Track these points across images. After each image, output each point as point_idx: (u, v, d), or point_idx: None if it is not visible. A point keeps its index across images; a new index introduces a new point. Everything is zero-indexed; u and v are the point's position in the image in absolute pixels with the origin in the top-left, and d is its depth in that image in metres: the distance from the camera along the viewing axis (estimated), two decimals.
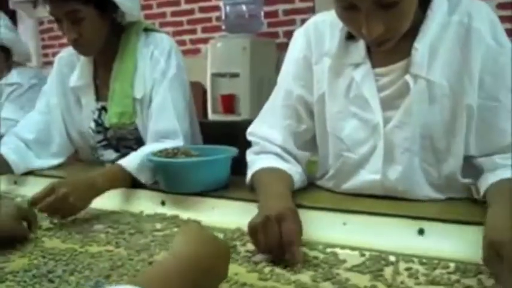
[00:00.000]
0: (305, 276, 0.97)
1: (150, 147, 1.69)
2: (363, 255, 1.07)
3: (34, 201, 1.36)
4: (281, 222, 1.03)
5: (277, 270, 1.00)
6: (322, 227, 1.19)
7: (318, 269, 1.00)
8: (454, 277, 0.93)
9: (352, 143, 1.32)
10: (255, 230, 1.05)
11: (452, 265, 0.98)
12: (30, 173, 1.88)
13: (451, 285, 0.90)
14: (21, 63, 2.66)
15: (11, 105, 2.49)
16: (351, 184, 1.35)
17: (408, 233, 1.08)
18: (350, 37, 1.30)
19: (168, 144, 1.68)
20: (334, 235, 1.16)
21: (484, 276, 0.92)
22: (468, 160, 1.25)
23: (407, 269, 0.98)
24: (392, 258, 1.03)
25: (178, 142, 1.72)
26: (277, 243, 1.02)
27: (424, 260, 1.02)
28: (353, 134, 1.32)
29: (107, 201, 1.52)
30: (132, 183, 1.59)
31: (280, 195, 1.19)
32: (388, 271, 0.98)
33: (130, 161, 1.60)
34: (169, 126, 1.76)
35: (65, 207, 1.37)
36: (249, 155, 1.46)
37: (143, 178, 1.59)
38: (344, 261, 1.04)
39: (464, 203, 1.25)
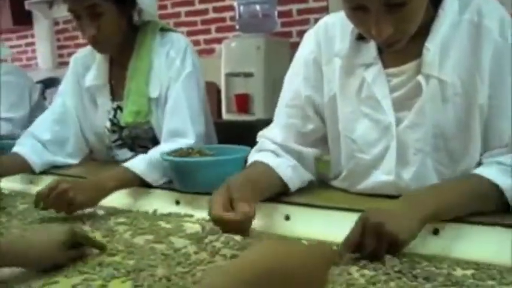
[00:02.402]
0: None
1: (162, 147, 1.71)
2: None
3: (39, 198, 1.41)
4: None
5: None
6: (336, 227, 1.19)
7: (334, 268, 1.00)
8: (470, 281, 0.92)
9: (364, 144, 1.32)
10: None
11: (468, 266, 0.98)
12: (46, 172, 1.92)
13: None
14: None
15: None
16: (364, 185, 1.35)
17: (423, 233, 1.08)
18: (361, 37, 1.30)
19: (180, 143, 1.69)
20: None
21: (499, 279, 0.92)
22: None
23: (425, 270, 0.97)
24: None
25: (190, 141, 1.73)
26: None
27: (440, 261, 1.01)
28: (365, 134, 1.31)
29: (121, 199, 1.55)
30: (141, 183, 1.60)
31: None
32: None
33: (138, 162, 1.61)
34: (182, 126, 1.77)
35: (65, 201, 1.40)
36: (250, 153, 1.47)
37: (150, 178, 1.60)
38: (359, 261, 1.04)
39: None
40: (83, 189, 1.44)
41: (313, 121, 1.42)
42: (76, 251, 1.10)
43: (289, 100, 1.44)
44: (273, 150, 1.40)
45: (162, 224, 1.37)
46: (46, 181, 1.83)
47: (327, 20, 1.42)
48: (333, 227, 1.18)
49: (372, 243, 0.99)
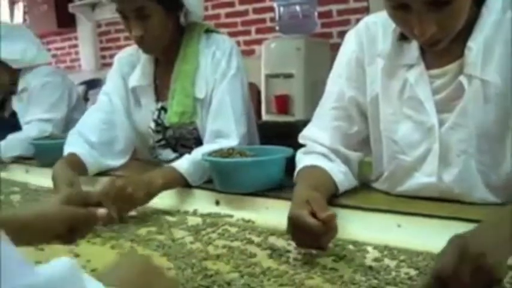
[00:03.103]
0: (359, 276, 0.98)
1: (204, 148, 1.72)
2: (417, 257, 1.06)
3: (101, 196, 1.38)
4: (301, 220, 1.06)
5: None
6: (377, 229, 1.19)
7: (372, 271, 1.00)
8: None
9: (406, 146, 1.31)
10: (289, 230, 1.11)
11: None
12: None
13: None
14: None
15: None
16: (405, 187, 1.33)
17: None
18: (403, 38, 1.29)
19: (223, 144, 1.70)
20: (388, 237, 1.16)
21: None
22: None
23: None
24: None
25: (233, 143, 1.73)
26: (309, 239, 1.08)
27: None
28: (407, 136, 1.30)
29: (163, 200, 1.56)
30: (185, 183, 1.62)
31: (309, 189, 1.21)
32: None
33: (182, 162, 1.63)
34: (225, 127, 1.78)
35: (125, 197, 1.40)
36: (298, 155, 1.46)
37: (190, 179, 1.61)
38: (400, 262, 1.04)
39: None
40: (139, 185, 1.46)
41: (358, 122, 1.41)
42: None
43: (333, 102, 1.43)
44: (324, 154, 1.40)
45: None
46: (90, 180, 1.87)
47: (368, 19, 1.42)
48: (374, 229, 1.18)
49: (467, 276, 0.81)
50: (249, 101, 1.96)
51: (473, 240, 0.83)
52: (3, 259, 0.46)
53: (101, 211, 1.05)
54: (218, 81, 1.84)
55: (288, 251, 1.14)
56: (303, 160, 1.41)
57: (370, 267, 1.02)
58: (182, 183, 1.61)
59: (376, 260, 1.06)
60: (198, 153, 1.66)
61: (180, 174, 1.60)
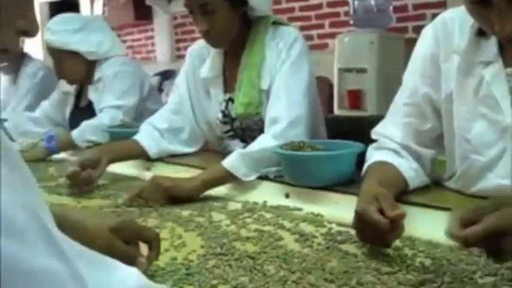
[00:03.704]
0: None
1: (259, 142, 1.71)
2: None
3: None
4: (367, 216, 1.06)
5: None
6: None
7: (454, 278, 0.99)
8: None
9: (479, 145, 1.27)
10: (355, 225, 1.12)
11: None
12: (161, 159, 2.02)
13: None
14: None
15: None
16: (478, 187, 1.29)
17: None
18: (481, 33, 1.26)
19: (270, 131, 1.72)
20: None
21: None
22: None
23: None
24: None
25: (282, 126, 1.72)
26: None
27: None
28: (481, 135, 1.27)
29: (230, 191, 1.60)
30: (233, 178, 1.62)
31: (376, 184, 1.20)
32: None
33: (228, 158, 1.64)
34: (278, 112, 1.77)
35: (162, 194, 1.54)
36: (369, 150, 1.46)
37: (240, 173, 1.61)
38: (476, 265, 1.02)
39: None
40: (175, 181, 1.59)
41: (431, 119, 1.39)
42: (130, 247, 0.99)
43: (406, 98, 1.41)
44: (395, 149, 1.38)
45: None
46: (161, 168, 1.97)
47: (445, 15, 1.39)
48: (443, 228, 1.16)
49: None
50: (315, 92, 1.95)
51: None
52: None
53: (142, 260, 0.97)
54: (277, 70, 1.85)
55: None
56: (373, 155, 1.41)
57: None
58: (229, 179, 1.62)
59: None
60: (250, 146, 1.68)
61: (225, 169, 1.61)
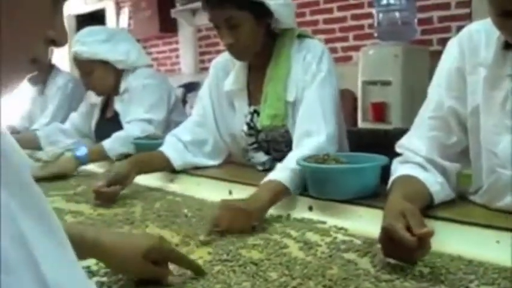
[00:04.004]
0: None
1: (296, 153, 1.68)
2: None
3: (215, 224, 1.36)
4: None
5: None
6: (474, 244, 1.15)
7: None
8: None
9: (507, 159, 1.25)
10: (381, 240, 1.11)
11: None
12: (186, 172, 2.03)
13: None
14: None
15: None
16: (505, 202, 1.27)
17: None
18: (507, 46, 1.25)
19: (309, 144, 1.71)
20: (486, 253, 1.12)
21: None
22: None
23: None
24: None
25: (321, 138, 1.72)
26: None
27: None
28: (508, 149, 1.25)
29: None
30: (288, 193, 1.56)
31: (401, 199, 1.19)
32: None
33: (285, 174, 1.57)
34: (313, 126, 1.77)
35: (242, 217, 1.38)
36: (393, 164, 1.45)
37: (292, 188, 1.56)
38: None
39: None
40: (251, 206, 1.42)
41: (456, 133, 1.38)
42: (160, 268, 1.04)
43: (431, 111, 1.40)
44: (420, 164, 1.37)
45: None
46: (184, 180, 1.98)
47: (471, 27, 1.38)
48: (470, 243, 1.15)
49: None
50: (339, 107, 1.94)
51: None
52: None
53: (172, 279, 1.04)
54: (308, 83, 1.84)
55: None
56: (398, 169, 1.40)
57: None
58: (284, 195, 1.55)
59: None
60: (292, 160, 1.62)
61: (284, 186, 1.54)
